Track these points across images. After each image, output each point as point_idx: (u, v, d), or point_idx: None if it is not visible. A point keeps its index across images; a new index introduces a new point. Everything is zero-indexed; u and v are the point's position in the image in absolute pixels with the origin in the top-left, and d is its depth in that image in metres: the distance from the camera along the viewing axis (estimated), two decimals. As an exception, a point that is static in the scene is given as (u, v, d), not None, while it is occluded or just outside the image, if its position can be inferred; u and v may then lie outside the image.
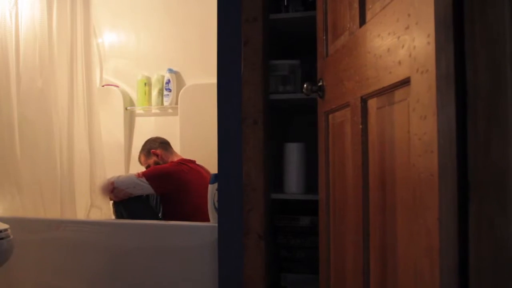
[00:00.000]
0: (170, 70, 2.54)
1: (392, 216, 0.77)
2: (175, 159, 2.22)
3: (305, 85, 1.22)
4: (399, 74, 0.72)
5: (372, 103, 0.87)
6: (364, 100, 0.90)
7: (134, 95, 2.66)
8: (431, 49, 0.61)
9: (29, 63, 1.96)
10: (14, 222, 1.71)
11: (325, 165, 1.21)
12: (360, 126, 0.91)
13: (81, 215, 2.00)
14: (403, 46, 0.70)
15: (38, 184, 1.96)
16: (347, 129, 1.03)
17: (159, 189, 2.04)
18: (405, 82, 0.70)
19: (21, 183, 1.96)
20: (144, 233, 1.72)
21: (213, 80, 2.34)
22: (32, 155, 1.97)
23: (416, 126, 0.66)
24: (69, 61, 1.99)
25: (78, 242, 1.75)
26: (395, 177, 0.76)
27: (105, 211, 2.00)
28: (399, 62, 0.72)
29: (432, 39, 0.61)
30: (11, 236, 1.51)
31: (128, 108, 2.64)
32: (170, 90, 2.52)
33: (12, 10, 1.94)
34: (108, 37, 2.70)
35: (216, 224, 1.54)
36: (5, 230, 1.48)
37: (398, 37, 0.72)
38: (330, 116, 1.18)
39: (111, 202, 2.06)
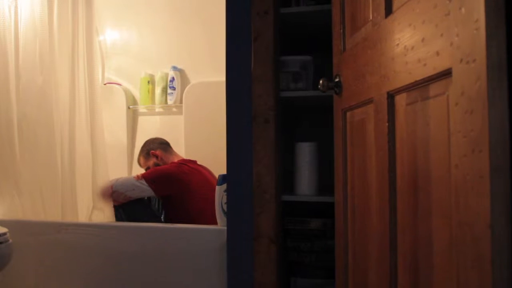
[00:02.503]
0: (174, 68, 2.47)
1: (426, 221, 0.70)
2: (175, 159, 2.15)
3: (321, 81, 1.16)
4: (437, 65, 0.66)
5: (400, 99, 0.81)
6: (391, 96, 0.84)
7: (137, 93, 2.60)
8: (480, 36, 0.55)
9: (29, 60, 1.89)
10: (13, 224, 1.66)
11: (343, 166, 1.14)
12: (386, 124, 0.85)
13: (82, 218, 1.94)
14: (442, 35, 0.64)
15: (38, 185, 1.90)
16: (369, 127, 0.96)
17: (159, 191, 1.97)
18: (445, 74, 0.64)
19: (20, 184, 1.89)
20: (149, 236, 1.66)
21: (219, 77, 2.30)
22: (32, 155, 1.90)
23: (460, 123, 0.59)
24: (71, 58, 1.93)
25: (80, 245, 1.69)
26: (430, 179, 0.69)
27: (107, 213, 1.94)
28: (437, 53, 0.65)
29: (481, 24, 0.54)
30: (10, 240, 1.45)
31: (131, 107, 2.58)
32: (174, 88, 2.46)
33: (12, 5, 1.88)
34: (110, 34, 2.63)
35: (225, 228, 1.48)
36: (4, 234, 1.42)
37: (436, 25, 0.65)
38: (348, 113, 1.12)
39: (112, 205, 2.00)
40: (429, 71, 0.68)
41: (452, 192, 0.62)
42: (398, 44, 0.79)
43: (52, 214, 1.89)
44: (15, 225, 1.67)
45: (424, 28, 0.69)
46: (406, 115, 0.79)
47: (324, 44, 1.55)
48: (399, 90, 0.80)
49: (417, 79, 0.72)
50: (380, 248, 0.88)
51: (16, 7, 1.88)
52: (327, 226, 1.64)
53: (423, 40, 0.70)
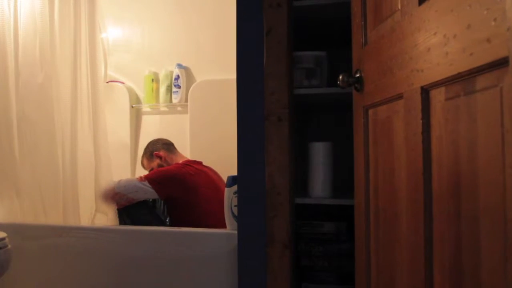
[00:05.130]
0: (179, 65, 2.40)
1: (471, 229, 0.63)
2: (180, 160, 2.08)
3: (340, 77, 1.09)
4: (486, 54, 0.58)
5: (438, 94, 0.74)
6: (425, 91, 0.77)
7: (140, 92, 2.52)
8: (549, 17, 0.47)
9: (29, 57, 1.83)
10: (12, 228, 1.60)
11: (364, 167, 1.07)
12: (421, 121, 0.77)
13: (85, 221, 1.87)
14: (495, 19, 0.57)
15: (38, 187, 1.83)
16: (397, 125, 0.89)
17: (163, 193, 1.90)
18: (499, 64, 0.57)
19: (20, 186, 1.83)
20: (154, 240, 1.59)
21: (226, 75, 2.24)
22: (32, 156, 1.84)
23: (521, 118, 0.52)
24: (72, 54, 1.87)
25: (82, 250, 1.63)
26: (477, 182, 0.62)
27: (111, 216, 1.87)
28: (488, 40, 0.58)
29: (551, 4, 0.47)
30: (9, 246, 1.38)
31: (134, 105, 2.51)
32: (179, 87, 2.38)
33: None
34: (113, 31, 2.56)
35: (234, 231, 1.41)
36: (2, 239, 1.35)
37: (487, 9, 0.58)
38: (371, 111, 1.05)
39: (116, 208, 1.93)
40: (477, 61, 0.61)
41: (507, 196, 0.55)
42: (436, 33, 0.72)
43: (53, 217, 1.83)
44: (14, 229, 1.61)
45: (471, 13, 0.62)
46: (444, 111, 0.71)
47: (339, 40, 1.48)
48: (436, 84, 0.73)
49: (461, 70, 0.65)
50: (411, 257, 0.81)
51: (15, 2, 1.82)
52: (341, 230, 1.57)
53: (469, 27, 0.62)
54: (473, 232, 0.63)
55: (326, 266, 1.56)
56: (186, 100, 2.40)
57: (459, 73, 0.65)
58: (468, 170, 0.64)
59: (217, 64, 2.33)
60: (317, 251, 1.56)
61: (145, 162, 2.16)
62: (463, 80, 0.66)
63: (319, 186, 1.41)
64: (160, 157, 2.10)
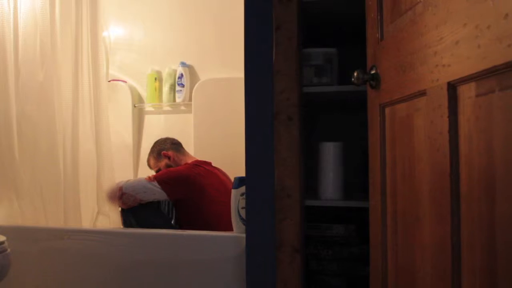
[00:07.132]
0: (183, 64, 2.35)
1: (508, 234, 0.58)
2: (189, 160, 2.03)
3: (355, 74, 1.05)
4: (528, 45, 0.54)
5: (467, 90, 0.69)
6: (452, 87, 0.72)
7: (143, 91, 2.47)
8: None
9: (29, 55, 1.80)
10: (12, 231, 1.56)
11: (381, 167, 1.02)
12: (447, 120, 0.72)
13: (87, 224, 1.83)
14: (539, 7, 0.52)
15: (39, 189, 1.80)
16: (418, 123, 0.85)
17: (174, 194, 1.85)
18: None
19: (20, 187, 1.80)
20: (158, 243, 1.55)
21: (230, 74, 2.21)
22: (33, 157, 1.81)
23: None
24: (74, 53, 1.83)
25: (84, 253, 1.59)
26: (516, 185, 0.57)
27: (113, 219, 1.83)
28: (530, 30, 0.53)
29: None
30: (8, 250, 1.34)
31: (137, 105, 2.46)
32: (183, 86, 2.33)
33: (11, -5, 1.78)
34: (115, 29, 2.51)
35: (241, 235, 1.37)
36: (1, 243, 1.31)
37: (529, -4, 0.53)
38: (388, 109, 1.00)
39: (119, 209, 1.88)
40: (515, 53, 0.56)
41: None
42: (465, 25, 0.67)
43: (54, 219, 1.79)
44: (14, 232, 1.57)
45: (510, 1, 0.57)
46: (475, 108, 0.66)
47: (349, 36, 1.44)
48: (465, 80, 0.68)
49: (496, 64, 0.60)
50: (436, 264, 0.76)
51: (16, -3, 1.78)
52: (351, 233, 1.53)
53: (506, 16, 0.58)
54: (509, 239, 0.58)
55: (335, 270, 1.52)
56: (190, 99, 2.35)
57: (494, 67, 0.60)
58: (504, 171, 0.59)
59: (222, 62, 2.28)
60: (326, 254, 1.52)
61: (152, 161, 2.10)
62: (498, 74, 0.61)
63: (330, 188, 1.37)
64: (168, 157, 2.04)
